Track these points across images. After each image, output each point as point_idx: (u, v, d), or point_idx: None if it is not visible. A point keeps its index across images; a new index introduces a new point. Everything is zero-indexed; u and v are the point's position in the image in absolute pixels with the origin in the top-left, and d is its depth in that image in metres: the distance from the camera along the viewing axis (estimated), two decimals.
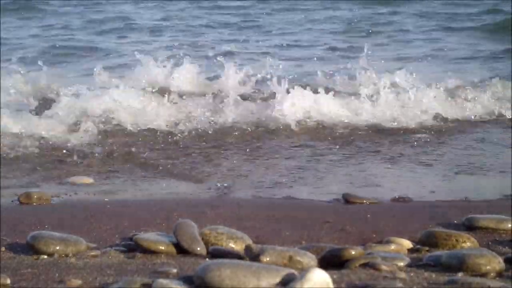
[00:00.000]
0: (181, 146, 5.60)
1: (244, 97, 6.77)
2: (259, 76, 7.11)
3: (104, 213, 3.56)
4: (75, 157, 5.18)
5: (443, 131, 6.18)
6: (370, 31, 12.20)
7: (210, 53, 9.07)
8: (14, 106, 6.42)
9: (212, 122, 6.20)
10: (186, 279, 2.12)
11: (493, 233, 3.16)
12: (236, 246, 2.74)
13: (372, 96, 6.82)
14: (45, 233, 2.80)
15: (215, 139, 5.80)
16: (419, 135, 5.97)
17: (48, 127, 5.83)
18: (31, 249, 2.73)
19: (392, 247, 2.86)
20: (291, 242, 3.01)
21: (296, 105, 6.46)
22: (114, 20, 13.73)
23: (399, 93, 6.88)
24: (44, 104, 6.63)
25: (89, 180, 4.61)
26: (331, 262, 2.49)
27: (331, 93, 6.72)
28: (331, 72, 7.74)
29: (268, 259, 2.37)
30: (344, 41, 11.26)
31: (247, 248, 2.50)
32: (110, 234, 3.15)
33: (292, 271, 2.05)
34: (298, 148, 5.56)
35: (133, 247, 2.77)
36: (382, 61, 8.50)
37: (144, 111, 6.38)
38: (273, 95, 6.67)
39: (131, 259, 2.61)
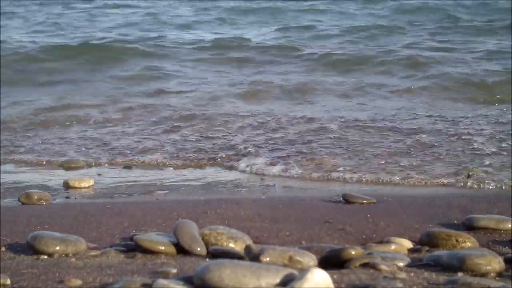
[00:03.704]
0: None
1: None
2: None
3: (104, 213, 3.56)
4: None
5: None
6: None
7: None
8: None
9: None
10: (186, 279, 2.11)
11: (493, 233, 3.16)
12: (236, 246, 2.73)
13: None
14: (45, 233, 2.80)
15: None
16: None
17: None
18: (31, 249, 2.73)
19: (392, 247, 2.86)
20: (291, 242, 3.01)
21: None
22: None
23: None
24: None
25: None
26: (331, 262, 2.49)
27: None
28: None
29: (268, 259, 2.36)
30: None
31: (247, 248, 2.50)
32: (110, 234, 3.15)
33: (292, 271, 2.05)
34: None
35: (133, 247, 2.77)
36: None
37: None
38: None
39: (131, 259, 2.61)
